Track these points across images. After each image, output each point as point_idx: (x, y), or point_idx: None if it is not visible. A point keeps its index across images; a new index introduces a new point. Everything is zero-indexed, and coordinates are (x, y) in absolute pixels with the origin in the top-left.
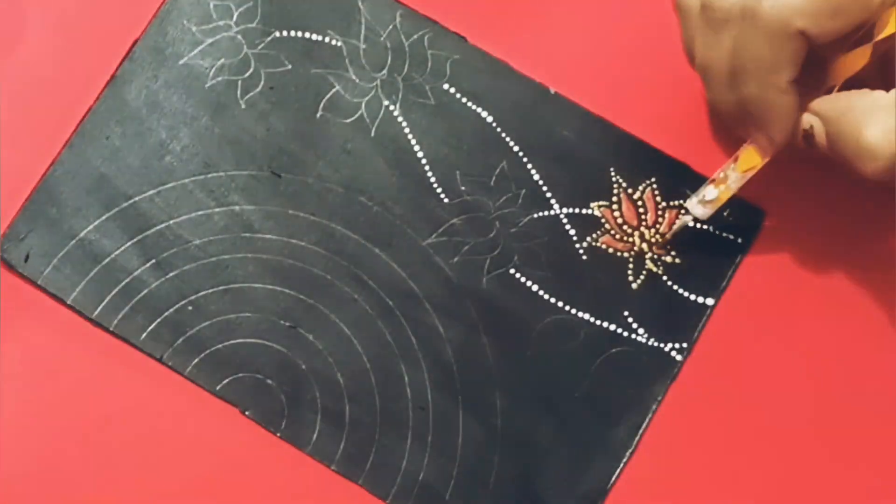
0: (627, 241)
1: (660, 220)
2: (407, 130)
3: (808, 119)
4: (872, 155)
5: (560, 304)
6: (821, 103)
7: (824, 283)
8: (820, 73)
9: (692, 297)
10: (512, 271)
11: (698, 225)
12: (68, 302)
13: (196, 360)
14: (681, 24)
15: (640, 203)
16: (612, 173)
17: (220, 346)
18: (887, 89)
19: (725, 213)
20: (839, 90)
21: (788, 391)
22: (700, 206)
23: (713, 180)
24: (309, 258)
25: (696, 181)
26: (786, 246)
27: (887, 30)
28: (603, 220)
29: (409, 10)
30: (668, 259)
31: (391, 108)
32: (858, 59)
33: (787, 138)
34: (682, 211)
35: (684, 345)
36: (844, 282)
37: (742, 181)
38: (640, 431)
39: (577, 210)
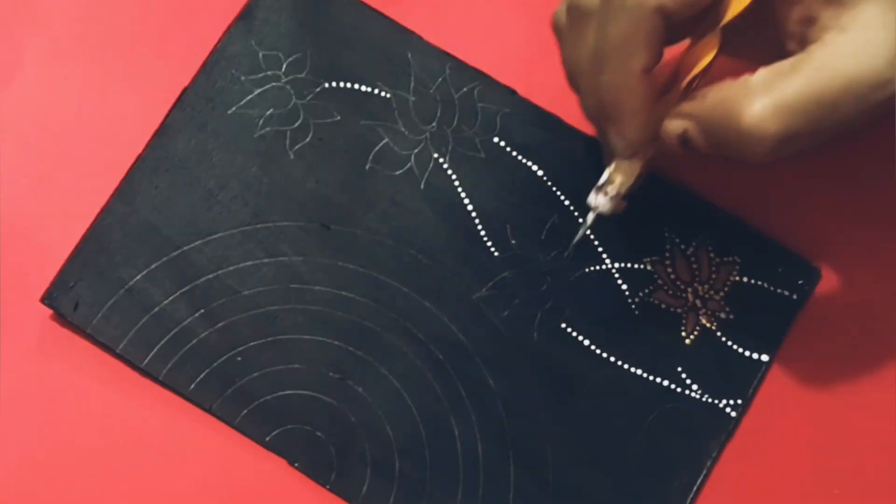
0: (680, 297)
1: (713, 275)
2: (457, 183)
3: (679, 124)
4: (756, 139)
5: (612, 358)
6: (689, 105)
7: (880, 340)
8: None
9: (747, 353)
10: (563, 325)
11: (753, 281)
12: (118, 351)
13: (245, 412)
14: (559, 48)
15: (692, 258)
16: (665, 229)
17: (269, 397)
18: (766, 54)
19: (780, 270)
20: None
21: (845, 449)
22: (595, 194)
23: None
24: (358, 310)
25: (749, 235)
26: (840, 303)
27: (733, 8)
28: (655, 276)
29: (458, 63)
30: (723, 315)
31: (441, 160)
32: (708, 47)
33: (641, 135)
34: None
35: (739, 401)
36: None
37: (634, 169)
38: (695, 489)
39: (629, 265)
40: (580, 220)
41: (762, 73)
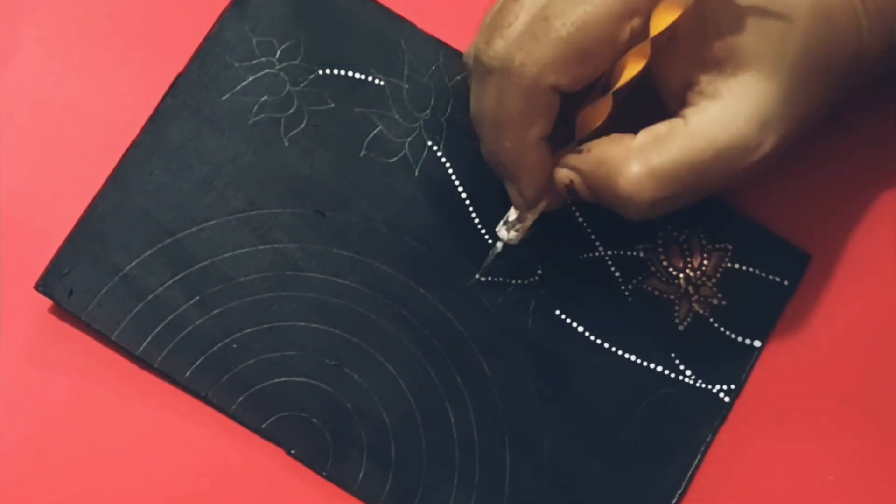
0: (673, 284)
1: (705, 262)
2: (451, 171)
3: (567, 174)
4: (631, 203)
5: (606, 345)
6: (575, 158)
7: (872, 324)
8: (570, 128)
9: (739, 338)
10: (557, 312)
11: (744, 268)
12: (113, 338)
13: (241, 399)
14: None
15: (685, 245)
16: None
17: (264, 384)
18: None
19: (772, 256)
20: (624, 96)
21: (839, 432)
22: (504, 229)
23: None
24: (353, 297)
25: (741, 222)
26: (832, 287)
27: (624, 76)
28: (648, 263)
29: (452, 50)
30: (715, 301)
31: (434, 148)
32: (601, 111)
33: (537, 193)
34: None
35: (732, 386)
36: (892, 322)
37: (537, 211)
38: (689, 474)
39: (622, 252)
40: (573, 209)
41: (641, 136)
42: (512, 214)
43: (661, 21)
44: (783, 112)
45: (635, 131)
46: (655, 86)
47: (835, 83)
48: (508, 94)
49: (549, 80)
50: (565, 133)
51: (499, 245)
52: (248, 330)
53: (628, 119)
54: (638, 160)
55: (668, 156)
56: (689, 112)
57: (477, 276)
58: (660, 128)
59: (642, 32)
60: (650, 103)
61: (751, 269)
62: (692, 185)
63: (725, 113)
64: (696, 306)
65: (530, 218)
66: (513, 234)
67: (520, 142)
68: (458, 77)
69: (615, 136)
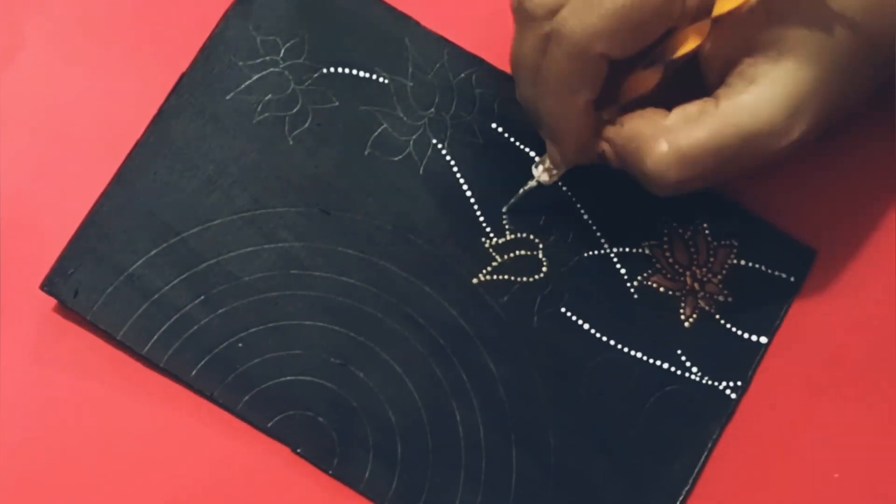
0: (679, 280)
1: (711, 259)
2: (455, 169)
3: (600, 144)
4: (657, 179)
5: (612, 342)
6: (610, 129)
7: (879, 319)
8: (614, 89)
9: (746, 335)
10: (563, 310)
11: (750, 264)
12: (118, 338)
13: (247, 398)
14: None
15: (690, 242)
16: (663, 213)
17: (270, 383)
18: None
19: (777, 253)
20: (675, 70)
21: (846, 429)
22: (540, 168)
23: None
24: (359, 295)
25: (746, 219)
26: (838, 283)
27: (680, 50)
28: (654, 260)
29: (456, 48)
30: (721, 298)
31: (439, 146)
32: (649, 79)
33: (577, 155)
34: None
35: (739, 383)
36: None
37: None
38: (696, 471)
39: (627, 249)
40: (578, 206)
41: (672, 116)
42: (548, 160)
43: (725, 4)
44: (817, 100)
45: (670, 104)
46: (697, 59)
47: (876, 73)
48: (556, 58)
49: (599, 48)
50: (607, 97)
51: (531, 183)
52: (254, 329)
53: (667, 91)
54: (666, 139)
55: (696, 138)
56: (723, 94)
57: (503, 210)
58: (691, 108)
59: (695, 9)
60: (690, 76)
61: (756, 266)
62: (718, 167)
63: (758, 99)
64: (701, 303)
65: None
66: (545, 176)
67: (566, 105)
68: (463, 75)
69: (649, 112)
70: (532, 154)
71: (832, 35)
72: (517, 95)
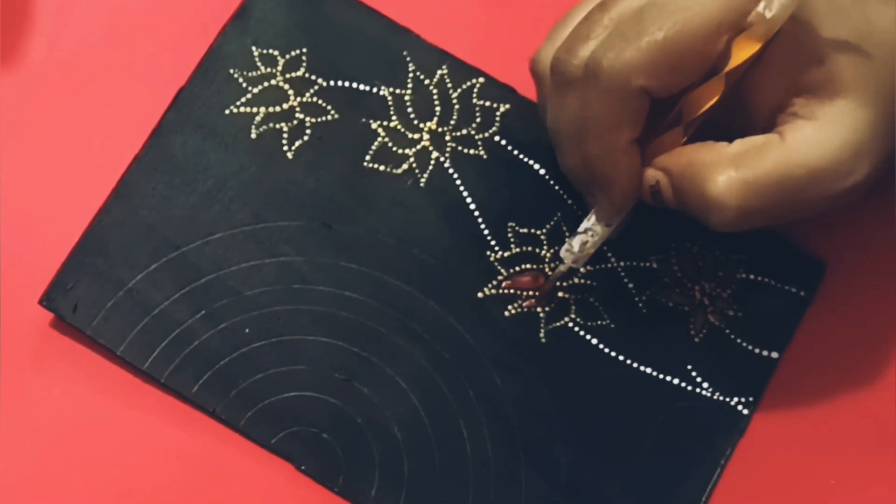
0: (688, 295)
1: (720, 273)
2: (458, 182)
3: (653, 174)
4: (717, 209)
5: (621, 357)
6: (665, 158)
7: (891, 332)
8: (663, 119)
9: (757, 350)
10: (570, 324)
11: (760, 278)
12: (118, 353)
13: (249, 414)
14: (537, 90)
15: (698, 256)
16: (670, 227)
17: (273, 399)
18: (738, 126)
19: (787, 266)
20: (696, 126)
21: (860, 445)
22: (568, 253)
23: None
24: (362, 310)
25: (755, 233)
26: (849, 295)
27: (733, 61)
28: (662, 274)
29: (456, 61)
30: (731, 312)
31: (441, 159)
32: (712, 91)
33: (629, 200)
34: (559, 260)
35: (751, 399)
36: None
37: (606, 233)
38: (709, 489)
39: (635, 263)
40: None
41: (736, 145)
42: (576, 242)
43: (739, 56)
44: (877, 141)
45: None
46: (738, 107)
47: None
48: (595, 98)
49: (639, 81)
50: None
51: (562, 267)
52: (256, 344)
53: (711, 136)
54: (730, 167)
55: (763, 168)
56: (786, 129)
57: (538, 308)
58: (756, 140)
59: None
60: (729, 125)
61: (766, 280)
62: (780, 201)
63: (821, 135)
64: (711, 318)
65: (604, 232)
66: (579, 253)
67: (609, 146)
68: (463, 87)
69: (709, 143)
70: (536, 166)
71: (883, 74)
72: (560, 167)
